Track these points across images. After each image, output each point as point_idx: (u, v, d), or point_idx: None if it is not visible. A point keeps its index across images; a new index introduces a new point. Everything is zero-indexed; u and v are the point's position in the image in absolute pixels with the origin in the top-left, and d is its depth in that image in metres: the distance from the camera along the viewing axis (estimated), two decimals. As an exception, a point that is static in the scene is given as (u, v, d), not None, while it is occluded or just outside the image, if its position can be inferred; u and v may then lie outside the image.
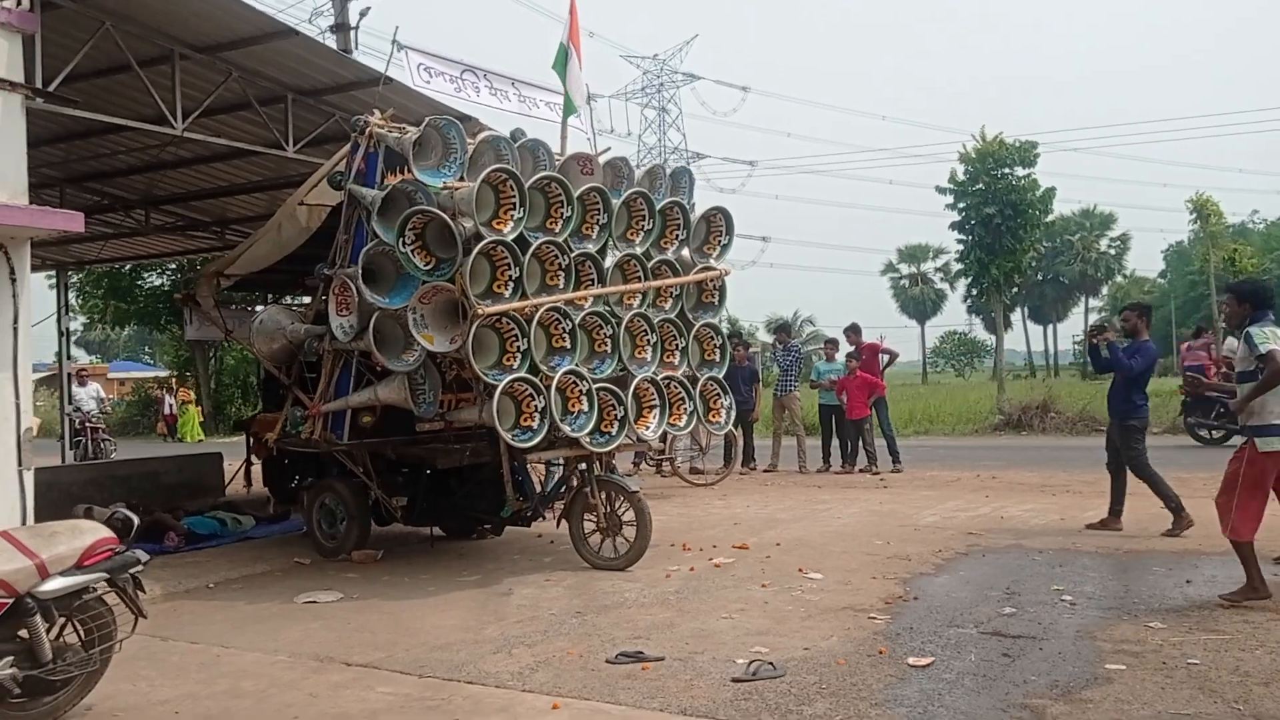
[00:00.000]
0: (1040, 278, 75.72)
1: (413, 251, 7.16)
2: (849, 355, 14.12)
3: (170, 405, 30.83)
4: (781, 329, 16.00)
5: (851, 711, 4.54)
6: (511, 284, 7.32)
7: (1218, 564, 7.22)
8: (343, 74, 9.47)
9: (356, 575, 7.88)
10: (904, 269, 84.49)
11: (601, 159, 8.53)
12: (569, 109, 9.99)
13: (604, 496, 7.96)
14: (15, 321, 6.88)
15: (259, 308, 10.34)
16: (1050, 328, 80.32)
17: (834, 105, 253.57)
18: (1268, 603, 6.10)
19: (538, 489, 8.88)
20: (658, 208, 8.35)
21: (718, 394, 8.78)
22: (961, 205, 22.36)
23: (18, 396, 6.87)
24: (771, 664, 5.20)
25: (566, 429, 7.43)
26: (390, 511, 8.63)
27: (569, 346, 7.63)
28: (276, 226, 8.83)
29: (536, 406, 7.34)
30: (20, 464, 6.90)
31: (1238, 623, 5.73)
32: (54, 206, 11.14)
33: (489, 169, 7.19)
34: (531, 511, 8.48)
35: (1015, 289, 25.45)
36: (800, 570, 7.51)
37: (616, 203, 8.10)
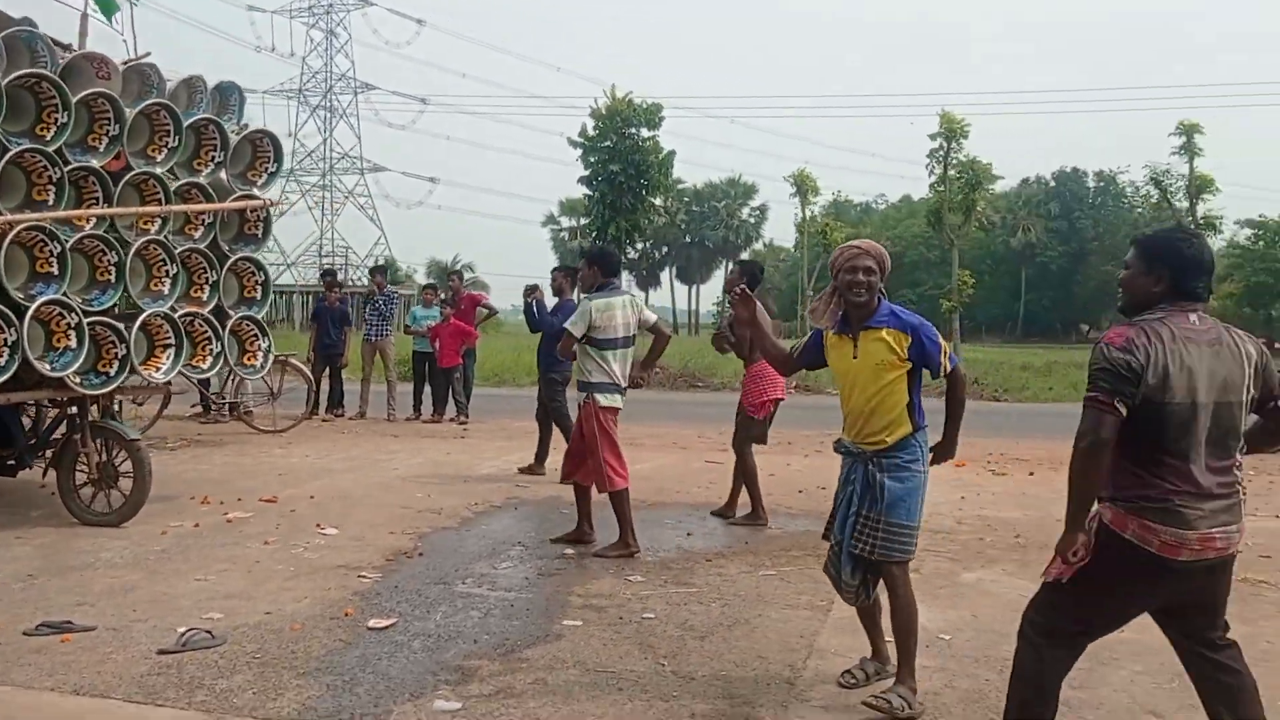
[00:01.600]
0: (688, 240, 79.88)
1: None
2: (443, 302, 13.77)
3: None
4: (378, 271, 15.31)
5: (271, 683, 4.15)
6: (-26, 196, 6.23)
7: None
8: None
9: None
10: (565, 221, 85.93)
11: (140, 63, 7.52)
12: (109, 8, 8.73)
13: (98, 444, 7.06)
14: None
15: None
16: (695, 288, 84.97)
17: (511, 51, 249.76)
18: (747, 553, 6.45)
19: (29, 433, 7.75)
20: (186, 124, 7.48)
21: (255, 335, 8.10)
22: (590, 160, 22.67)
23: None
24: (209, 632, 4.70)
25: (44, 368, 6.49)
26: None
27: (57, 273, 6.66)
28: None
29: (5, 340, 6.34)
30: None
31: (710, 575, 5.93)
32: None
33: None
34: (16, 459, 7.41)
35: (641, 247, 26.26)
36: (317, 526, 7.05)
37: (132, 113, 7.15)
